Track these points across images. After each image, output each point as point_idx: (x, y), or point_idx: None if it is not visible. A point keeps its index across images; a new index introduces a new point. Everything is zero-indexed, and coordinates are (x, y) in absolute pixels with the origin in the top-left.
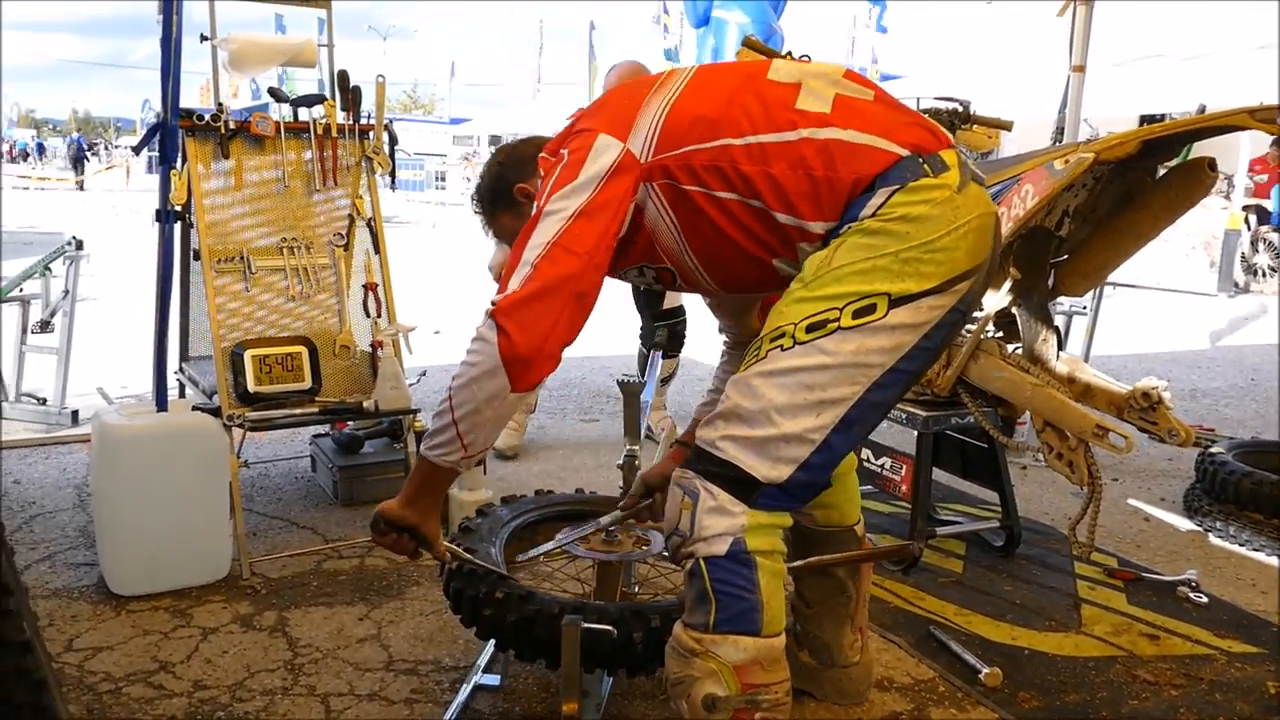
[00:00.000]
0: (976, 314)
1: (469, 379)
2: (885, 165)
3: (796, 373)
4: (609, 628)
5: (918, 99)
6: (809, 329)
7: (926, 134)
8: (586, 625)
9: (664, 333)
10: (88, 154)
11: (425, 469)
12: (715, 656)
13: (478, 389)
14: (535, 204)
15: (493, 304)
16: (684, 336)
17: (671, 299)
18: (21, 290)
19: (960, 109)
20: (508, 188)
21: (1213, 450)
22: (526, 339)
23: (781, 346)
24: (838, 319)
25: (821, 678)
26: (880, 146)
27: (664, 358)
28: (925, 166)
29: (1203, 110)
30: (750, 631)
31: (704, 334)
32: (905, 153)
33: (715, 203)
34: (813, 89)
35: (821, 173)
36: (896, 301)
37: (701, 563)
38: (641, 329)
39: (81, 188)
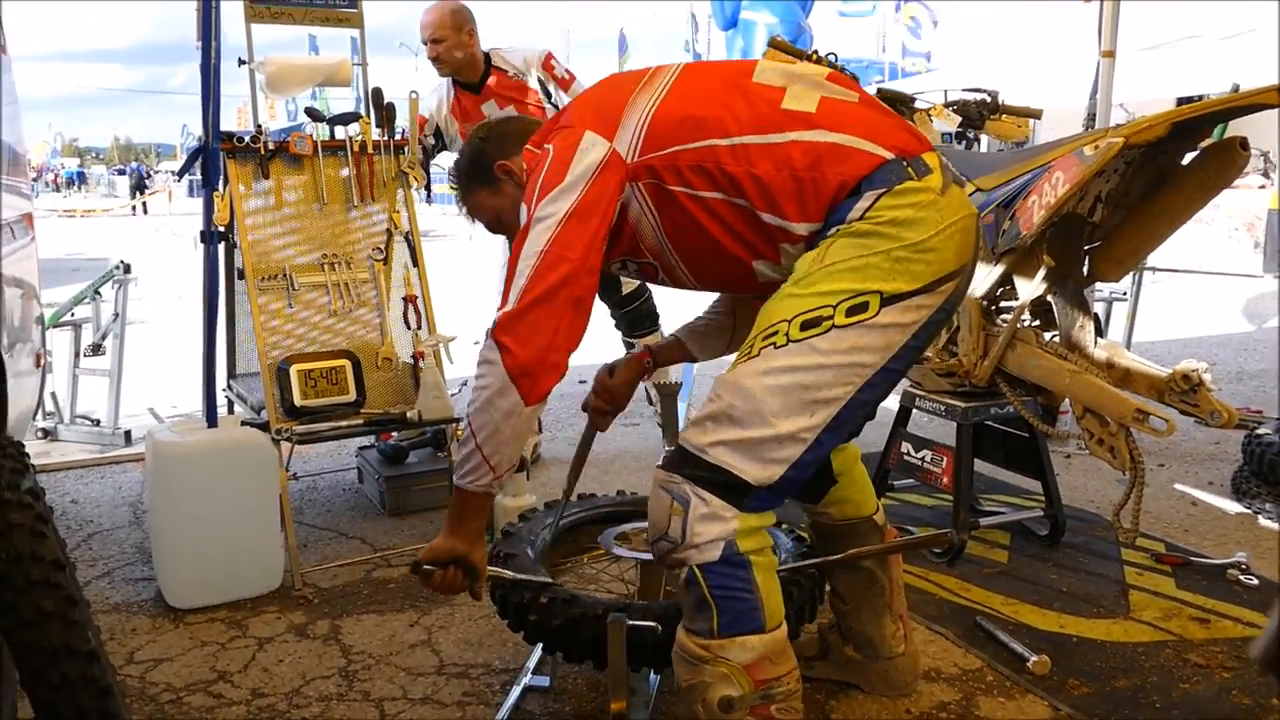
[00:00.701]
0: (1012, 302)
1: (483, 402)
2: (870, 168)
3: (793, 372)
4: (654, 624)
5: (945, 91)
6: (803, 326)
7: (909, 137)
8: (632, 623)
9: (625, 322)
10: (146, 182)
11: (460, 498)
12: (725, 660)
13: (493, 410)
14: (524, 207)
15: (494, 323)
16: (655, 313)
17: (629, 282)
18: (73, 315)
19: (989, 99)
20: (488, 163)
21: (1259, 432)
22: (529, 352)
23: (775, 344)
24: (832, 316)
25: (868, 670)
26: (865, 149)
27: (641, 336)
28: (909, 169)
29: (1236, 89)
30: (755, 630)
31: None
32: (890, 155)
33: (700, 202)
34: (798, 91)
35: (807, 174)
36: (888, 300)
37: (697, 570)
38: (613, 318)
39: (145, 210)
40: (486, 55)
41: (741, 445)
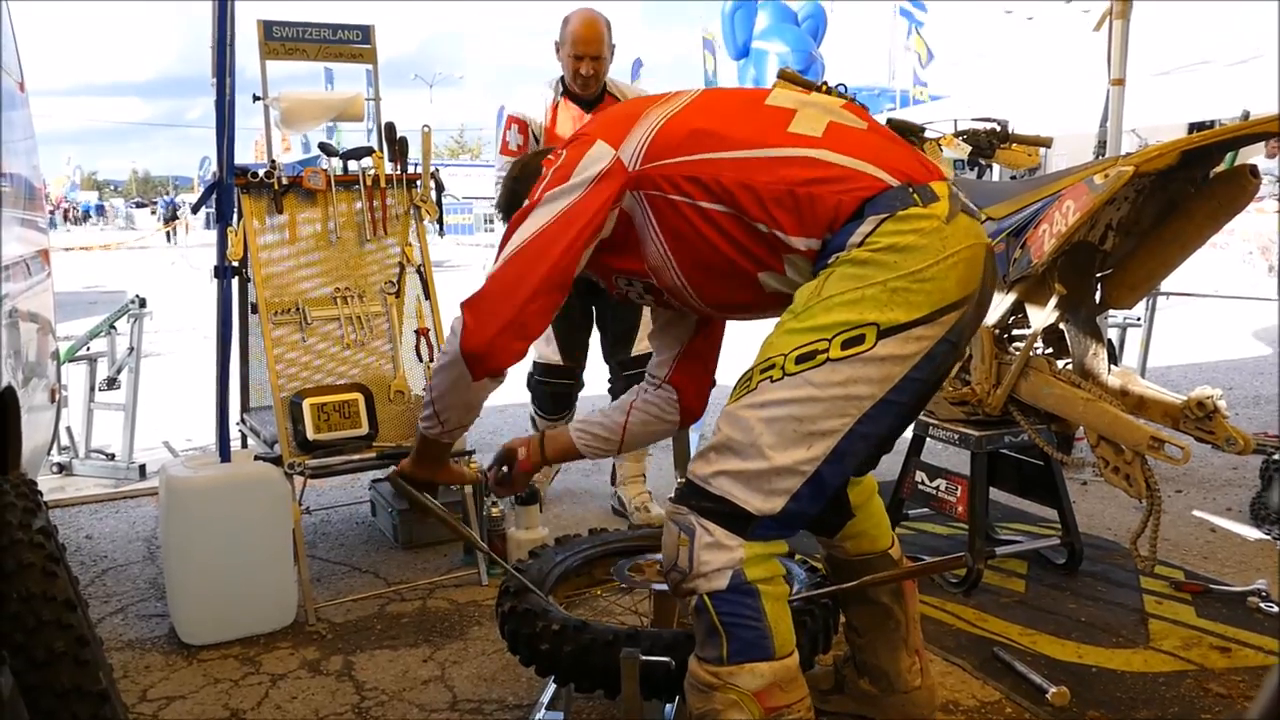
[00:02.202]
0: (1024, 331)
1: (440, 365)
2: (874, 191)
3: (787, 404)
4: (665, 659)
5: (955, 121)
6: (798, 360)
7: (918, 165)
8: (645, 657)
9: (622, 385)
10: (178, 214)
11: (418, 436)
12: (734, 687)
13: (445, 375)
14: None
15: (469, 295)
16: None
17: (642, 344)
18: (88, 349)
19: (998, 128)
20: (522, 201)
21: (1277, 457)
22: (482, 332)
23: (771, 378)
24: (827, 349)
25: (884, 704)
26: (869, 172)
27: None
28: (915, 196)
29: (1246, 116)
30: (764, 657)
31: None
32: (895, 182)
33: (699, 212)
34: (808, 114)
35: (803, 189)
36: (885, 332)
37: (706, 599)
38: (610, 381)
39: (172, 238)
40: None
41: (742, 476)
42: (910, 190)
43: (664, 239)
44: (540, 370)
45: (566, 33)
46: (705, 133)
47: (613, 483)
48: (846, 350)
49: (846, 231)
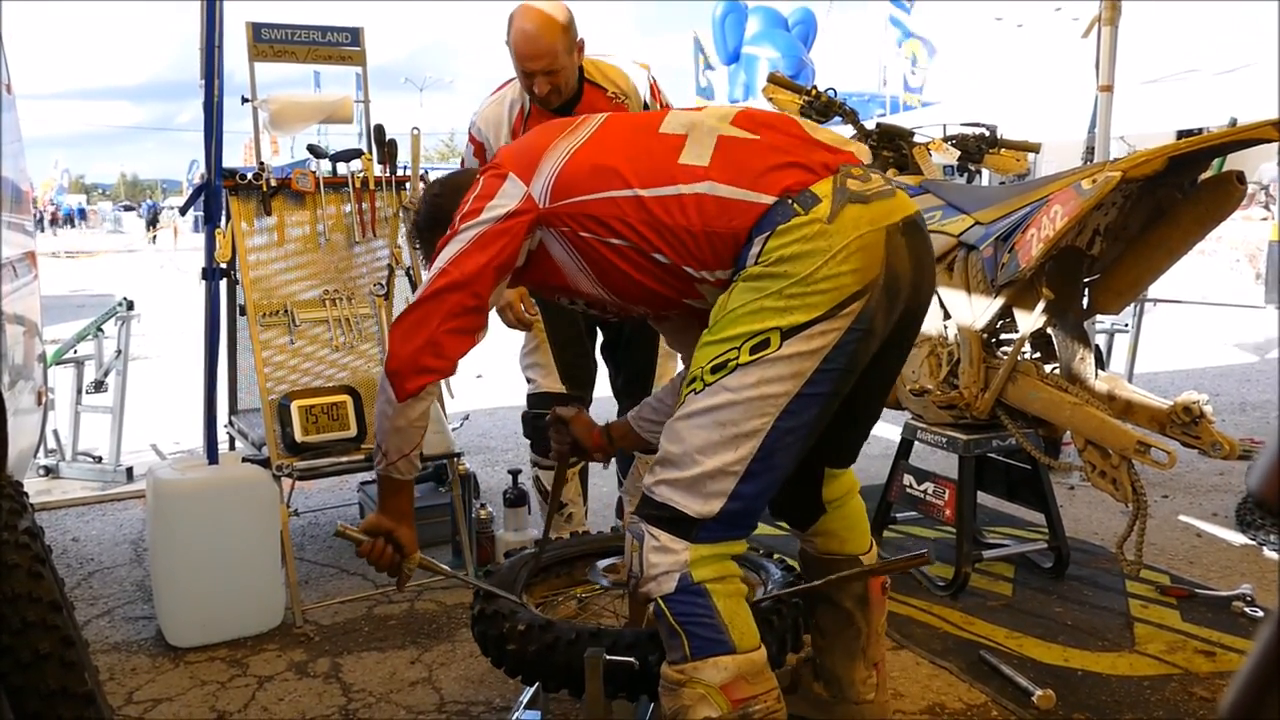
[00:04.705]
0: (1012, 335)
1: (378, 394)
2: (756, 216)
3: (709, 412)
4: (629, 659)
5: (944, 126)
6: (713, 370)
7: (800, 172)
8: (609, 657)
9: (627, 402)
10: (159, 216)
11: (378, 481)
12: (700, 681)
13: (379, 401)
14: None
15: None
16: None
17: (662, 382)
18: (75, 352)
19: (987, 134)
20: (447, 216)
21: None
22: (403, 352)
23: (695, 390)
24: (736, 356)
25: (833, 711)
26: (748, 199)
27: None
28: (795, 206)
29: (1233, 124)
30: (725, 651)
31: None
32: (772, 200)
33: (613, 249)
34: (697, 139)
35: (699, 227)
36: (788, 333)
37: (660, 602)
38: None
39: (155, 242)
40: (579, 68)
41: (680, 484)
42: (790, 202)
43: (589, 270)
44: (535, 402)
45: (509, 43)
46: (606, 170)
47: (618, 515)
48: (754, 355)
49: (743, 257)
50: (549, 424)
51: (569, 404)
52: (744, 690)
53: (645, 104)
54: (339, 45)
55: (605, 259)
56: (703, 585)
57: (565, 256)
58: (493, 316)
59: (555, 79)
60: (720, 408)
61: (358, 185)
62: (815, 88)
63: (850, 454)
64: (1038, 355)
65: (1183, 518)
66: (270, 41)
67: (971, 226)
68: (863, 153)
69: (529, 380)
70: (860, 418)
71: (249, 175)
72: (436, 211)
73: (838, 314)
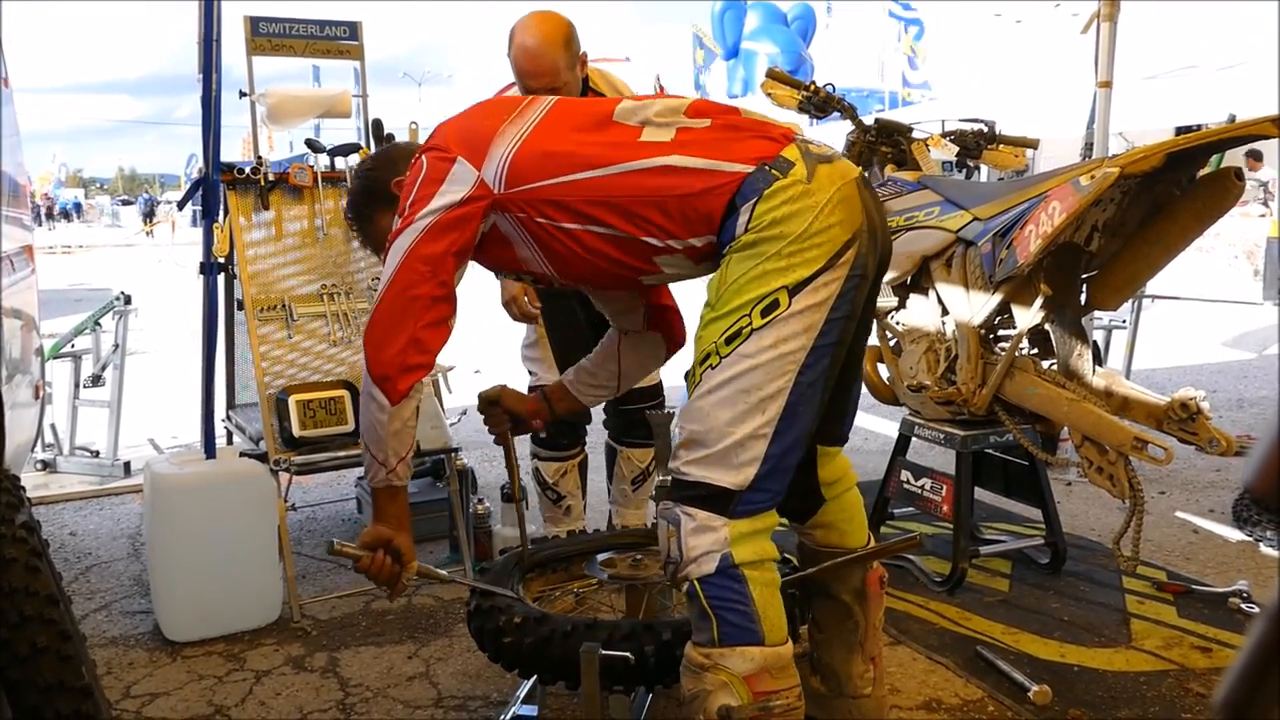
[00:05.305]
0: (1009, 331)
1: (361, 407)
2: (736, 185)
3: (730, 382)
4: (624, 653)
5: (943, 121)
6: (728, 341)
7: (765, 142)
8: (605, 652)
9: (618, 419)
10: (155, 210)
11: (374, 494)
12: (725, 669)
13: (367, 413)
14: (400, 210)
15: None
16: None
17: (650, 376)
18: (73, 346)
19: (985, 129)
20: (383, 187)
21: None
22: (386, 357)
23: (711, 366)
24: (749, 323)
25: (830, 706)
26: (723, 169)
27: (631, 448)
28: (773, 172)
29: (1232, 120)
30: (754, 642)
31: None
32: (750, 168)
33: (568, 234)
34: (656, 124)
35: (667, 192)
36: (795, 290)
37: (696, 583)
38: (606, 419)
39: (152, 235)
40: (584, 78)
41: (711, 459)
42: (767, 168)
43: (541, 255)
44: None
45: (511, 58)
46: (558, 155)
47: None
48: (766, 317)
49: (729, 228)
50: (481, 412)
51: None
52: (767, 684)
53: None
54: (337, 39)
55: (557, 240)
56: (741, 571)
57: (516, 237)
58: (495, 309)
59: (558, 94)
60: (742, 374)
61: None
62: (814, 83)
63: (838, 426)
64: (1035, 351)
65: (1180, 514)
66: (268, 35)
67: (970, 222)
68: (799, 128)
69: (530, 373)
70: (842, 382)
71: (247, 169)
72: (371, 184)
73: (835, 264)
